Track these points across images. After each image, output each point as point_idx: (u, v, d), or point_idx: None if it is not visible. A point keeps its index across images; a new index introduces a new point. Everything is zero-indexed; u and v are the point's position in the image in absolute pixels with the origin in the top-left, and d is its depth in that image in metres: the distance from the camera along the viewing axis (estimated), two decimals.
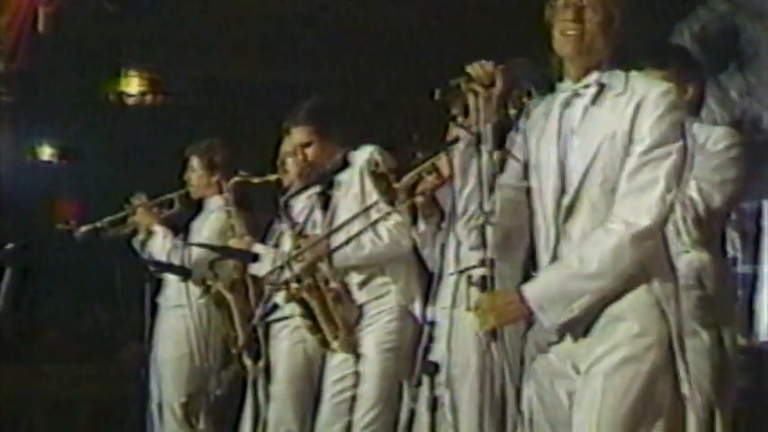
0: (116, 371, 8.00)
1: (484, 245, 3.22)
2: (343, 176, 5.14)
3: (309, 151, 5.26)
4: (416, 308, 5.05)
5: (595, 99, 3.22)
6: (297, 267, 5.02)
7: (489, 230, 3.23)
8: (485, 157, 3.25)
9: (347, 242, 4.90)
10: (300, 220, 5.32)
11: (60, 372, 8.74)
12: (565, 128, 3.26)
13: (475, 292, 3.23)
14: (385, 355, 5.00)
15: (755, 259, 6.73)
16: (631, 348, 3.14)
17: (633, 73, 3.24)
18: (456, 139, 4.43)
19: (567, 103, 3.28)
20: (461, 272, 4.61)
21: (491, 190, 3.24)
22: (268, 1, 7.73)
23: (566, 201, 3.22)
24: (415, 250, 4.88)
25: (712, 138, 4.20)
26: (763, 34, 5.49)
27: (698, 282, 4.15)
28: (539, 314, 3.16)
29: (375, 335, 5.03)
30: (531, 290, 3.16)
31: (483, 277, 3.21)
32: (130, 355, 6.42)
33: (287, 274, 5.03)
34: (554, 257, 3.24)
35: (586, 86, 3.25)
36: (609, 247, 3.09)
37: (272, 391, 5.36)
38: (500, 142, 3.35)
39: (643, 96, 3.16)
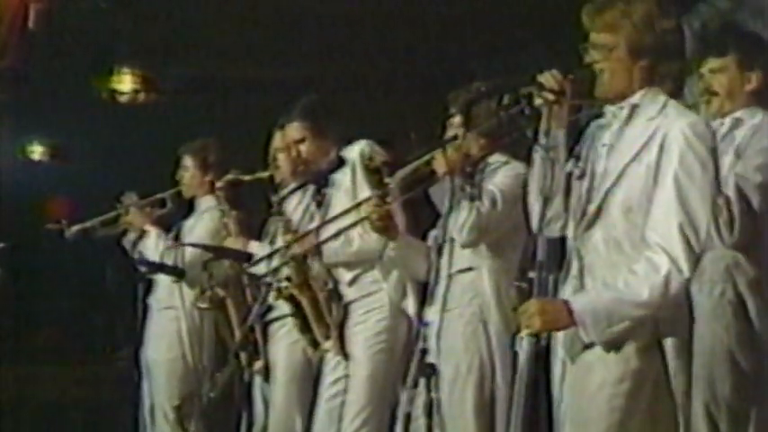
0: (109, 373, 7.95)
1: (534, 251, 3.30)
2: (338, 174, 5.10)
3: (303, 148, 5.26)
4: (410, 305, 4.98)
5: (628, 119, 3.33)
6: (286, 265, 4.98)
7: (542, 237, 3.32)
8: (560, 163, 3.36)
9: (335, 236, 4.86)
10: (295, 217, 5.29)
11: (53, 373, 8.70)
12: (600, 146, 3.38)
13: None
14: (375, 357, 4.94)
15: None
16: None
17: (671, 101, 3.33)
18: (455, 137, 4.40)
19: (607, 124, 3.39)
20: (452, 274, 4.58)
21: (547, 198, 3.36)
22: None
23: (588, 212, 3.32)
24: None
25: (758, 133, 4.07)
26: (764, 31, 5.43)
27: (726, 278, 4.05)
28: (580, 328, 3.22)
29: (364, 335, 4.96)
30: (578, 303, 3.22)
31: (531, 281, 3.27)
32: (124, 357, 6.38)
33: (275, 270, 4.99)
34: (579, 261, 3.35)
35: (621, 108, 3.36)
36: (659, 281, 3.16)
37: (272, 391, 5.35)
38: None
39: (671, 126, 3.24)
